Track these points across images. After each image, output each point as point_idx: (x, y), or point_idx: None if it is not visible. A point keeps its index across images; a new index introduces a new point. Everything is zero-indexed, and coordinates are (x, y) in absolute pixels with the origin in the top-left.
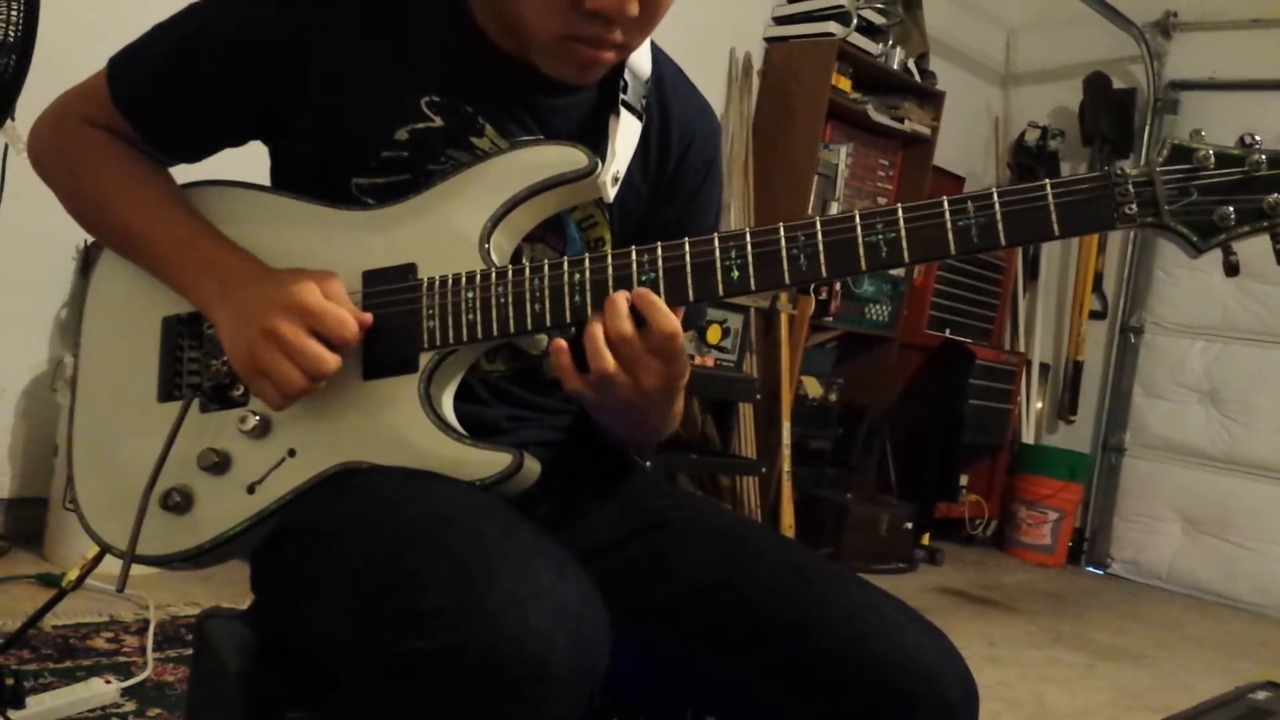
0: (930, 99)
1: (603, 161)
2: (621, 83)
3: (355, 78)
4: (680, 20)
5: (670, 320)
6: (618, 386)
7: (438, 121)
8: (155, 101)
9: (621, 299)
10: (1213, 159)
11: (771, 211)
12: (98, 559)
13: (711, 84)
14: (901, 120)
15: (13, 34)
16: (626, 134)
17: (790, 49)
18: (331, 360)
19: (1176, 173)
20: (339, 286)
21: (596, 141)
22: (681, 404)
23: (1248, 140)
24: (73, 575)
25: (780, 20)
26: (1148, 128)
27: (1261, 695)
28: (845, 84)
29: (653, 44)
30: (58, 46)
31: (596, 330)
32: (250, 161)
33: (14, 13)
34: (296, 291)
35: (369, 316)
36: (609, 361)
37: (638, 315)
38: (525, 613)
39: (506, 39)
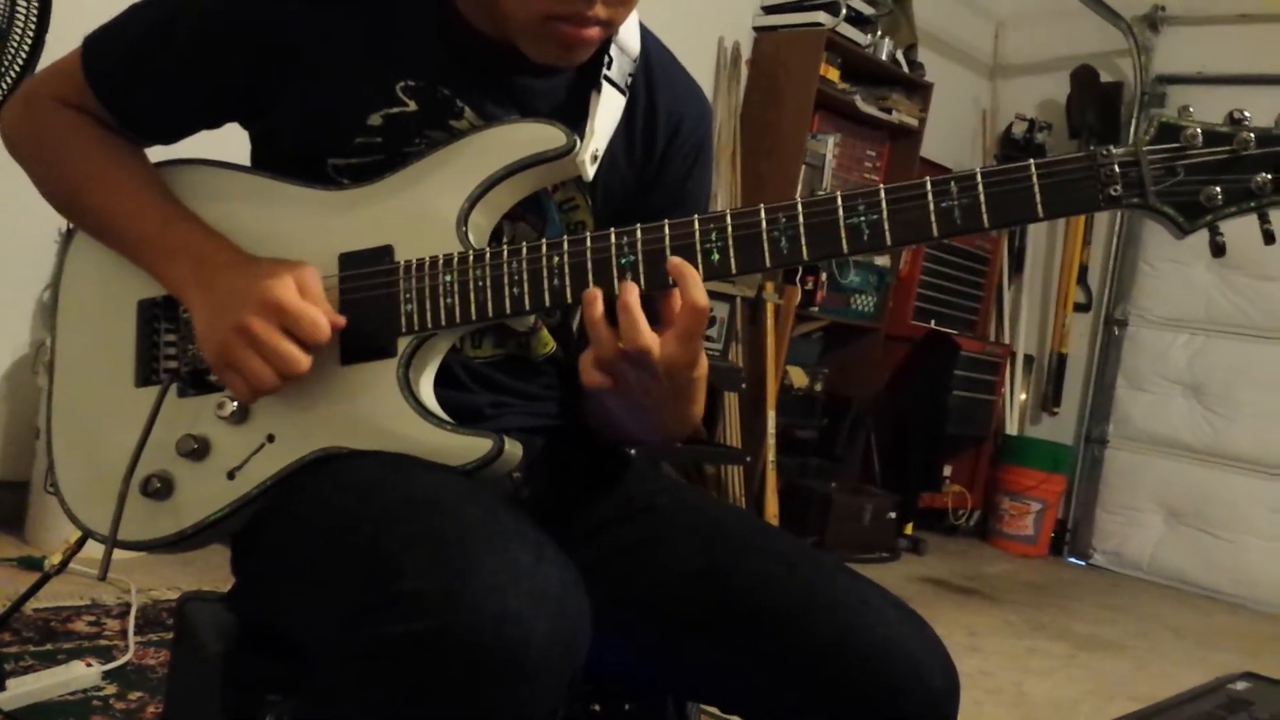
0: (918, 90)
1: (581, 139)
2: (606, 58)
3: (331, 64)
4: (669, 9)
5: (704, 296)
6: (633, 379)
7: (412, 106)
8: (130, 83)
9: (635, 306)
10: (1200, 137)
11: (758, 201)
12: (80, 543)
13: (700, 73)
14: (889, 111)
15: (22, 21)
16: (607, 110)
17: (779, 39)
18: (303, 361)
19: (1163, 152)
20: (315, 282)
21: (578, 120)
22: (701, 405)
23: (1236, 117)
24: (55, 559)
25: (769, 10)
26: (1134, 121)
27: (1240, 686)
28: (833, 74)
29: (642, 26)
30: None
31: (599, 317)
32: (228, 140)
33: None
34: (272, 288)
35: (342, 320)
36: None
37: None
38: (505, 598)
39: (487, 22)
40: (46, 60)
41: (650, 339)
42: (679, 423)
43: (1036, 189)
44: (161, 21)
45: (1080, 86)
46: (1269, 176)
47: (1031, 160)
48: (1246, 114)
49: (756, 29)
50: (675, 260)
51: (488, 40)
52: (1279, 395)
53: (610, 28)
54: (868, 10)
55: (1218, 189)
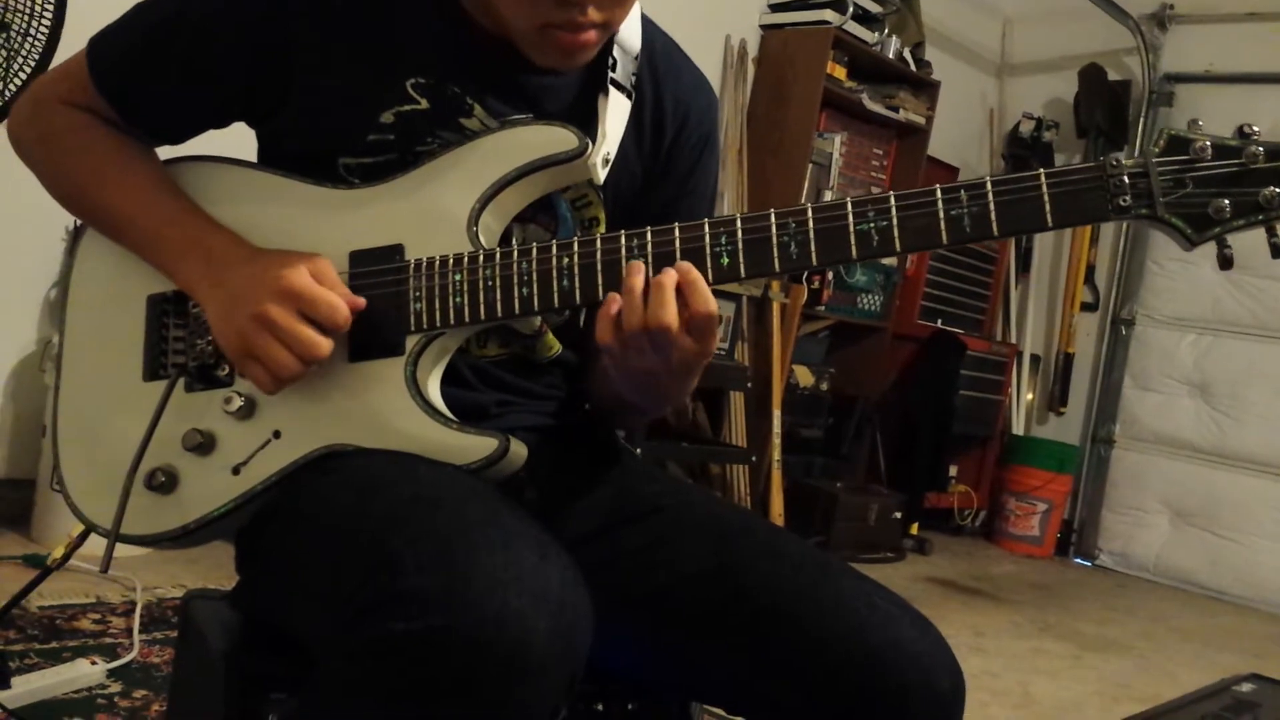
0: (925, 88)
1: (593, 143)
2: (610, 60)
3: (339, 63)
4: (676, 6)
5: (710, 301)
6: (646, 356)
7: (423, 104)
8: (136, 84)
9: (670, 287)
10: (1209, 150)
11: (765, 200)
12: (83, 537)
13: (706, 71)
14: (896, 110)
15: (39, 28)
16: (616, 114)
17: (786, 36)
18: (325, 344)
19: (1172, 164)
20: (329, 268)
21: (588, 121)
22: (697, 379)
23: (1246, 130)
24: (58, 553)
25: (776, 7)
26: (1142, 120)
27: (1246, 687)
28: (840, 72)
29: (644, 17)
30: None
31: (637, 287)
32: (236, 138)
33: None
34: (287, 275)
35: (361, 300)
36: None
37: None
38: (506, 596)
39: (492, 22)
40: (60, 60)
41: (673, 318)
42: (679, 396)
43: (1046, 199)
44: (165, 20)
45: (1088, 85)
46: (1277, 190)
47: (1041, 170)
48: (1256, 128)
49: (763, 27)
50: (683, 265)
51: (494, 39)
52: None
53: (608, 29)
54: (875, 8)
55: (1226, 201)
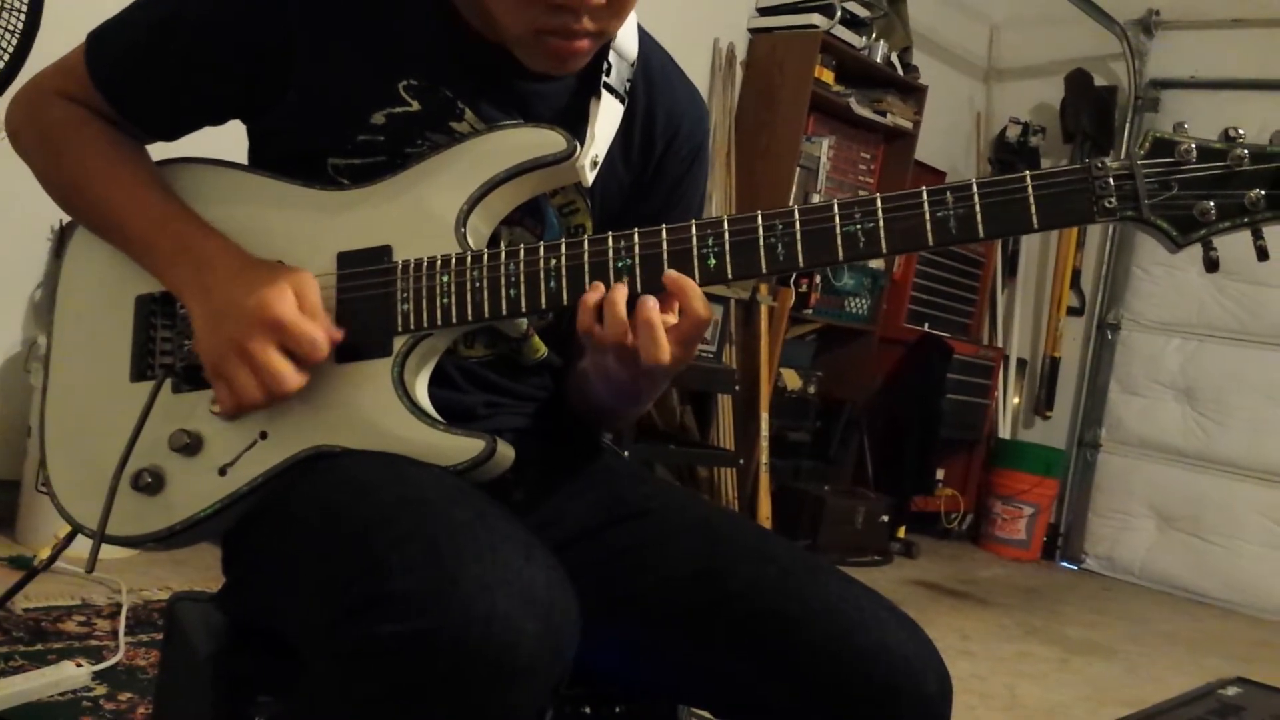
0: (913, 93)
1: (581, 145)
2: (605, 65)
3: (333, 63)
4: (664, 10)
5: (704, 307)
6: (629, 367)
7: (415, 106)
8: (133, 80)
9: (658, 324)
10: (1195, 152)
11: (753, 203)
12: (69, 539)
13: (695, 75)
14: (884, 114)
15: (14, 23)
16: (607, 117)
17: (774, 40)
18: (293, 382)
19: (1157, 166)
20: (314, 293)
21: (578, 125)
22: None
23: (1231, 134)
24: (44, 554)
25: (764, 11)
26: (1128, 125)
27: (1231, 690)
28: (828, 76)
29: (641, 29)
30: (66, 26)
31: (620, 299)
32: (228, 138)
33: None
34: (272, 304)
35: (339, 334)
36: (627, 335)
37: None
38: (493, 598)
39: (487, 27)
40: (38, 53)
41: (666, 353)
42: (653, 400)
43: (1032, 200)
44: (163, 20)
45: (1074, 90)
46: (1262, 193)
47: (1027, 171)
48: (1241, 130)
49: (751, 31)
50: (672, 274)
51: (489, 44)
52: (1271, 400)
53: (602, 38)
54: (863, 13)
55: (1211, 204)
